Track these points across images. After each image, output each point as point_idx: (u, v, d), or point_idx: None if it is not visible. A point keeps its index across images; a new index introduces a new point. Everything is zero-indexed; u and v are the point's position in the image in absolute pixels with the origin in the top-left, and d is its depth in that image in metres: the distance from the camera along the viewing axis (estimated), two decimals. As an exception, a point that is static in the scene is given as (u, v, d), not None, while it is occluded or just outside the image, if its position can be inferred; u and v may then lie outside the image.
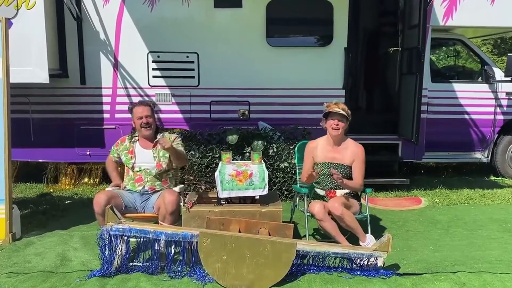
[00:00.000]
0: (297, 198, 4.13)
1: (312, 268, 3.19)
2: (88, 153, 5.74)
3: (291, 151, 5.15)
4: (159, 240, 3.10)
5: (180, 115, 5.73)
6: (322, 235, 4.06)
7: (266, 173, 3.67)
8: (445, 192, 5.72)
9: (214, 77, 5.70)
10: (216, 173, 3.66)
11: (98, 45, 5.59)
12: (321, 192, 3.80)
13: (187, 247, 3.11)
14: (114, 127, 5.73)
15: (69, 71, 5.56)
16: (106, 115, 5.73)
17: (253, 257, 3.00)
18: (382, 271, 3.19)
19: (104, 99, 5.70)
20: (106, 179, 5.92)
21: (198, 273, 3.11)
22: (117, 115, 5.72)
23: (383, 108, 7.03)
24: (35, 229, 4.20)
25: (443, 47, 8.43)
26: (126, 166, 3.84)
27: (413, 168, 7.16)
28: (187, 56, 5.65)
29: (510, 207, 5.15)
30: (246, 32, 5.65)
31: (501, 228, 4.37)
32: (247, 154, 5.09)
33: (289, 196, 5.25)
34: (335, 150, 3.78)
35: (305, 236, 3.80)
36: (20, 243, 3.83)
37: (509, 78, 6.17)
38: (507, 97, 6.36)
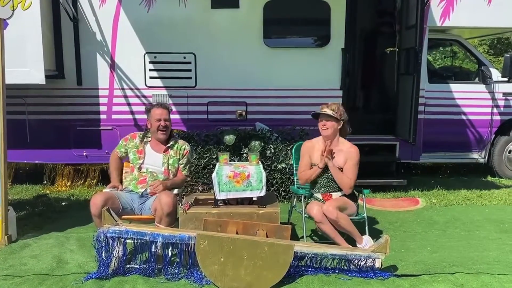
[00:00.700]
0: (295, 199, 4.13)
1: (310, 269, 3.19)
2: (84, 154, 5.71)
3: (289, 152, 5.15)
4: (156, 242, 3.08)
5: (177, 116, 5.70)
6: (320, 236, 4.06)
7: (264, 174, 3.66)
8: (442, 193, 5.72)
9: (211, 78, 5.69)
10: (214, 175, 3.65)
11: (94, 45, 5.57)
12: (318, 195, 3.79)
13: (184, 249, 3.09)
14: (111, 128, 5.70)
15: (65, 72, 5.53)
16: (102, 116, 5.70)
17: (250, 259, 2.99)
18: (380, 272, 3.19)
19: (101, 100, 5.67)
20: (103, 180, 5.91)
21: (196, 276, 3.10)
22: (114, 116, 5.69)
23: (380, 108, 7.04)
24: (31, 231, 4.18)
25: (440, 48, 8.44)
26: (132, 165, 3.79)
27: (411, 168, 7.16)
28: (184, 57, 5.64)
29: (507, 207, 5.16)
30: (243, 33, 5.64)
31: (499, 229, 4.37)
32: (245, 155, 5.08)
33: (286, 197, 5.24)
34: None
35: (302, 237, 3.78)
36: (16, 245, 3.80)
37: (506, 79, 6.20)
38: (504, 98, 6.38)
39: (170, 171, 3.78)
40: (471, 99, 6.34)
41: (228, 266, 2.99)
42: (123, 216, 3.53)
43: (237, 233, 3.32)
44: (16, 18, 4.43)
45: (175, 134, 4.08)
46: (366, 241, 3.54)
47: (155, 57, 5.62)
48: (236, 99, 5.74)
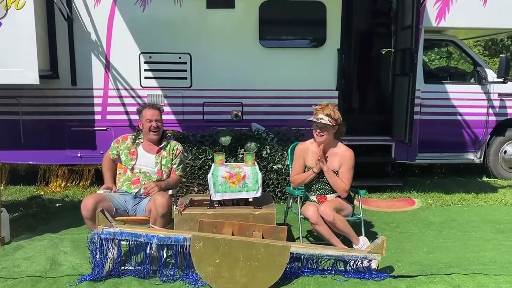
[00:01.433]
0: (291, 200, 4.11)
1: (306, 270, 3.18)
2: (79, 155, 5.67)
3: (285, 152, 5.13)
4: (151, 243, 3.06)
5: (172, 117, 5.68)
6: (315, 237, 4.04)
7: (260, 175, 3.64)
8: (438, 193, 5.73)
9: (207, 78, 5.67)
10: (209, 175, 3.63)
11: (89, 45, 5.53)
12: (312, 198, 3.77)
13: (179, 250, 3.07)
14: (105, 128, 5.67)
15: (59, 72, 5.49)
16: (97, 117, 5.66)
17: (246, 260, 2.97)
18: (376, 273, 3.18)
19: (96, 101, 5.63)
20: (97, 181, 5.87)
21: (191, 277, 3.07)
22: (108, 117, 5.65)
23: (376, 109, 7.05)
24: (24, 233, 4.14)
25: (436, 48, 8.46)
26: (125, 166, 3.76)
27: (406, 169, 7.16)
28: (180, 57, 5.61)
29: (503, 208, 5.17)
30: (239, 33, 5.63)
31: (494, 230, 4.38)
32: (240, 155, 5.06)
33: (282, 198, 5.23)
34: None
35: (298, 238, 3.77)
36: (9, 247, 3.77)
37: (501, 79, 6.21)
38: (499, 98, 6.39)
39: (164, 172, 3.75)
40: (467, 100, 6.35)
41: (223, 268, 2.97)
42: (117, 218, 3.49)
43: (232, 234, 3.30)
44: (10, 17, 4.42)
45: (168, 134, 4.04)
46: (362, 242, 3.52)
47: (150, 57, 5.60)
48: (232, 99, 5.72)
